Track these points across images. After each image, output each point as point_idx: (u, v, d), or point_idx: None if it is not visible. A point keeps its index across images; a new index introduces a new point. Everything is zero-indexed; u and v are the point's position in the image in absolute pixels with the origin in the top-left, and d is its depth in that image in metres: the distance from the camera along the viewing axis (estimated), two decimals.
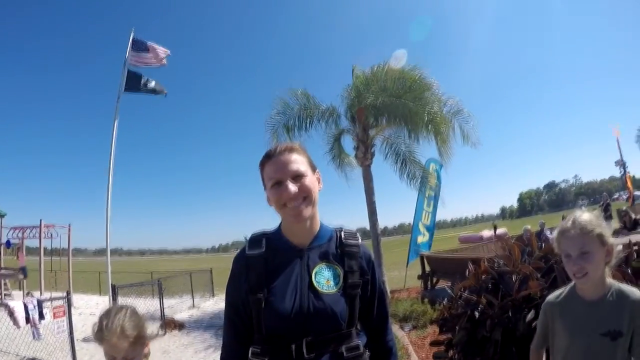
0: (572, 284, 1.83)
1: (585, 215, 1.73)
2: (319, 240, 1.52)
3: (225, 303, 1.54)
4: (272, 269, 1.44)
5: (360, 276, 1.50)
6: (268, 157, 1.49)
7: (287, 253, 1.48)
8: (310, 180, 1.47)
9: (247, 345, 1.43)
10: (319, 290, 1.40)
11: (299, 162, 1.47)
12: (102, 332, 1.71)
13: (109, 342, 1.69)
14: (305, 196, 1.44)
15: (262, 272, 1.43)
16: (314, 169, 1.55)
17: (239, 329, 1.47)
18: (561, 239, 1.75)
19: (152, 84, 10.81)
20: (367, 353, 1.48)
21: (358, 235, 1.59)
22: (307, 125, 12.03)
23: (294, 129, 11.94)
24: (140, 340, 1.77)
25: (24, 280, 14.26)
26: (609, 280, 1.75)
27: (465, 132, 11.34)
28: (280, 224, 1.55)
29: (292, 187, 1.42)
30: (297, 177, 1.44)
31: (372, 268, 1.56)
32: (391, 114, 11.09)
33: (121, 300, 9.36)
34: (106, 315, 1.76)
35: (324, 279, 1.43)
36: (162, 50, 11.06)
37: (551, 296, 1.94)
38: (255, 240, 1.51)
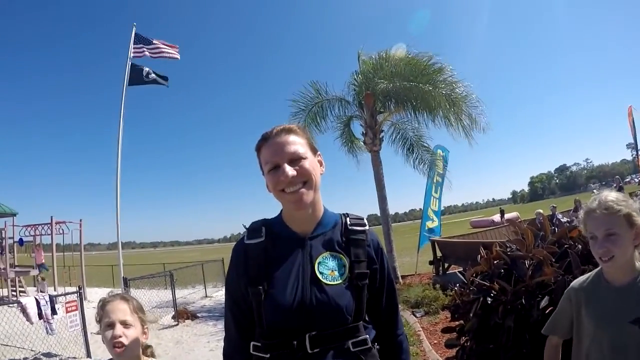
0: (598, 268, 1.73)
1: (612, 195, 1.61)
2: (323, 228, 1.42)
3: (225, 295, 1.46)
4: (272, 259, 1.35)
5: (368, 265, 1.39)
6: (264, 140, 1.39)
7: (288, 242, 1.39)
8: (311, 162, 1.37)
9: (250, 339, 1.36)
10: (322, 282, 1.30)
11: (297, 143, 1.36)
12: (105, 299, 1.76)
13: (110, 304, 1.71)
14: (305, 180, 1.34)
15: (261, 262, 1.35)
16: (314, 151, 1.44)
17: (241, 323, 1.40)
18: (587, 220, 1.64)
19: (153, 75, 10.80)
20: (376, 347, 1.38)
21: (365, 221, 1.47)
22: (322, 117, 12.30)
23: (316, 120, 12.22)
24: (138, 313, 1.77)
25: (40, 277, 14.45)
26: (639, 264, 1.63)
27: (474, 117, 11.14)
28: (281, 211, 1.45)
29: (290, 171, 1.31)
30: (296, 159, 1.34)
31: (380, 256, 1.45)
32: (403, 98, 10.96)
33: (133, 292, 9.44)
34: (112, 291, 1.87)
35: (328, 269, 1.33)
36: (168, 45, 11.06)
37: (576, 282, 1.83)
38: (255, 228, 1.42)
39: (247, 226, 1.46)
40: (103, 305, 1.73)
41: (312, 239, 1.40)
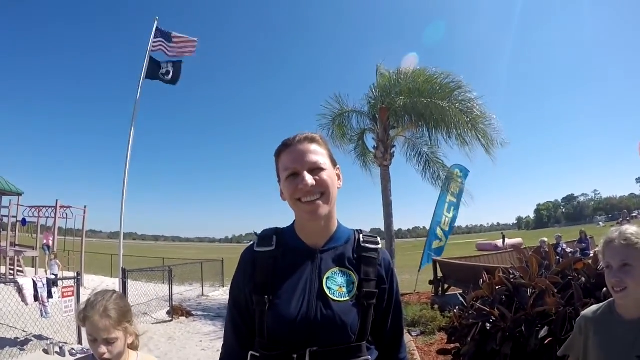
0: (611, 300, 1.71)
1: (633, 228, 1.61)
2: (335, 242, 1.39)
3: (229, 300, 1.43)
4: (280, 270, 1.32)
5: (377, 285, 1.36)
6: (285, 146, 1.36)
7: (299, 254, 1.36)
8: (330, 174, 1.33)
9: (248, 348, 1.33)
10: (329, 298, 1.27)
11: (319, 153, 1.34)
12: (85, 311, 1.69)
13: (91, 320, 1.66)
14: (323, 191, 1.30)
15: (269, 271, 1.32)
16: (334, 163, 1.41)
17: (241, 330, 1.37)
18: (605, 250, 1.64)
19: (170, 73, 10.94)
20: None
21: (379, 239, 1.44)
22: (347, 127, 12.81)
23: (342, 131, 12.71)
24: (122, 324, 1.72)
25: (43, 257, 14.54)
26: None
27: (490, 136, 11.05)
28: (294, 221, 1.42)
29: (310, 179, 1.28)
30: (316, 169, 1.31)
31: (391, 277, 1.42)
32: (419, 114, 10.98)
33: (131, 284, 9.45)
34: (92, 297, 1.75)
35: (336, 285, 1.30)
36: (187, 40, 11.20)
37: (588, 310, 1.81)
38: (266, 236, 1.39)
39: (258, 233, 1.44)
40: (84, 319, 1.69)
41: (322, 253, 1.36)
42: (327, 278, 1.31)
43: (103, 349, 1.64)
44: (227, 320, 1.43)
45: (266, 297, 1.28)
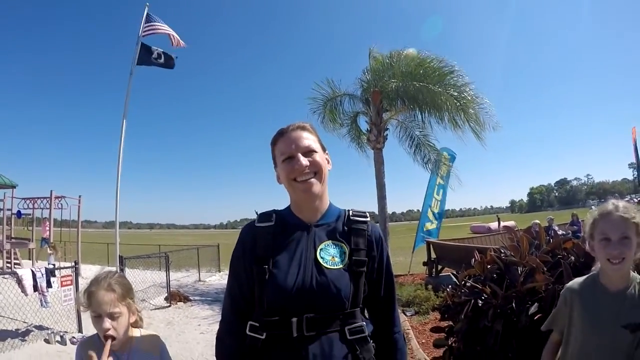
0: (593, 273, 1.79)
1: (624, 202, 1.69)
2: (327, 219, 1.53)
3: (229, 274, 1.54)
4: (279, 243, 1.45)
5: (367, 254, 1.49)
6: (280, 134, 1.53)
7: (295, 228, 1.49)
8: (321, 156, 1.51)
9: (246, 321, 1.42)
10: (323, 266, 1.40)
11: (310, 139, 1.51)
12: (90, 287, 1.73)
13: (95, 295, 1.69)
14: (316, 171, 1.47)
15: (269, 244, 1.44)
16: (323, 148, 1.57)
17: (239, 304, 1.47)
18: (600, 222, 1.68)
19: (162, 57, 10.78)
20: (372, 343, 1.44)
21: (367, 214, 1.58)
22: (338, 112, 12.84)
23: (334, 114, 12.76)
24: (125, 300, 1.75)
25: (51, 247, 14.51)
26: (632, 273, 1.70)
27: (482, 120, 11.07)
28: (290, 204, 1.56)
29: (304, 160, 1.45)
30: (309, 152, 1.47)
31: (380, 246, 1.54)
32: (411, 98, 10.97)
33: (128, 272, 9.48)
34: (96, 275, 1.80)
35: (329, 255, 1.43)
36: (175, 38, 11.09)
37: (572, 283, 1.88)
38: (266, 214, 1.54)
39: (258, 212, 1.56)
40: (89, 295, 1.71)
41: (317, 227, 1.50)
42: (321, 249, 1.44)
43: (107, 323, 1.66)
44: (226, 295, 1.54)
45: (266, 267, 1.39)
